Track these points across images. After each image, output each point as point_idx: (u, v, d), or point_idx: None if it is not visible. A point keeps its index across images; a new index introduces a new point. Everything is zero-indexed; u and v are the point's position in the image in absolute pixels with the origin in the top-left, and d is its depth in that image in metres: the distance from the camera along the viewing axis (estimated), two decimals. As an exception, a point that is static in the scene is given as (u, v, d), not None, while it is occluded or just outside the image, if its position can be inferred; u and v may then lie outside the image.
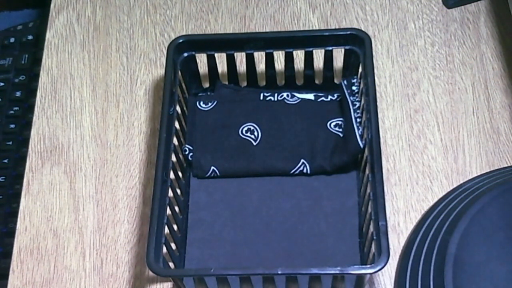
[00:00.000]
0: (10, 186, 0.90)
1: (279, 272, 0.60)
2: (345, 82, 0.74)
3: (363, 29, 0.81)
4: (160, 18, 0.87)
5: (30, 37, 1.00)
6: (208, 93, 0.79)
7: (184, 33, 0.85)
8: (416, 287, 0.65)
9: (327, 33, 0.74)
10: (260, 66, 0.79)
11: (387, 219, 0.62)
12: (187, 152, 0.74)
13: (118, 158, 0.78)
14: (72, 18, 0.88)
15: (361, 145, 0.70)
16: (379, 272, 0.68)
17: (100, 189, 0.76)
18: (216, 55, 0.75)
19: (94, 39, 0.86)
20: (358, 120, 0.72)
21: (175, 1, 0.89)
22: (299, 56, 0.78)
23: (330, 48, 0.74)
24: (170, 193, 0.68)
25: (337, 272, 0.59)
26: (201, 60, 0.77)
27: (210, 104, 0.77)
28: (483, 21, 0.84)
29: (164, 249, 0.64)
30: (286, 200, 0.72)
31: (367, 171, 0.67)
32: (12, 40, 1.00)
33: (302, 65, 0.77)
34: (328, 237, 0.70)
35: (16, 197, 0.82)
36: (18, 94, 0.95)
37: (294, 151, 0.73)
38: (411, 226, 0.72)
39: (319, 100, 0.76)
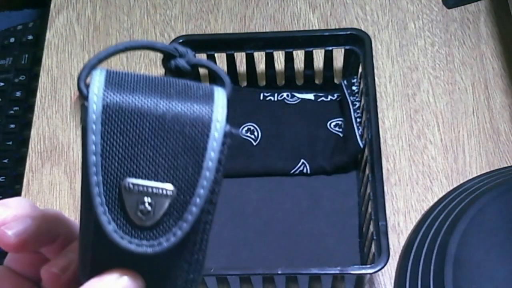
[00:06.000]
0: (10, 186, 0.90)
1: (279, 272, 0.60)
2: (345, 82, 0.74)
3: (363, 29, 0.81)
4: (160, 18, 0.87)
5: (30, 37, 0.99)
6: (208, 93, 0.79)
7: (184, 33, 0.85)
8: (416, 287, 0.65)
9: (327, 33, 0.74)
10: (260, 66, 0.79)
11: (387, 219, 0.62)
12: (187, 152, 0.74)
13: (118, 158, 0.78)
14: (72, 18, 0.88)
15: (361, 145, 0.70)
16: (379, 272, 0.68)
17: (100, 189, 0.76)
18: (216, 55, 0.75)
19: (94, 39, 0.86)
20: (358, 120, 0.72)
21: (175, 1, 0.89)
22: (299, 56, 0.78)
23: (330, 48, 0.74)
24: (170, 193, 0.68)
25: (337, 272, 0.59)
26: (201, 60, 0.77)
27: (210, 104, 0.77)
28: (483, 21, 0.84)
29: (164, 249, 0.64)
30: (286, 200, 0.72)
31: (367, 171, 0.67)
32: (12, 40, 0.99)
33: (302, 65, 0.77)
34: (328, 237, 0.70)
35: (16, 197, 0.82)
36: (18, 94, 0.95)
37: (294, 151, 0.73)
38: (411, 226, 0.72)
39: (319, 100, 0.76)
